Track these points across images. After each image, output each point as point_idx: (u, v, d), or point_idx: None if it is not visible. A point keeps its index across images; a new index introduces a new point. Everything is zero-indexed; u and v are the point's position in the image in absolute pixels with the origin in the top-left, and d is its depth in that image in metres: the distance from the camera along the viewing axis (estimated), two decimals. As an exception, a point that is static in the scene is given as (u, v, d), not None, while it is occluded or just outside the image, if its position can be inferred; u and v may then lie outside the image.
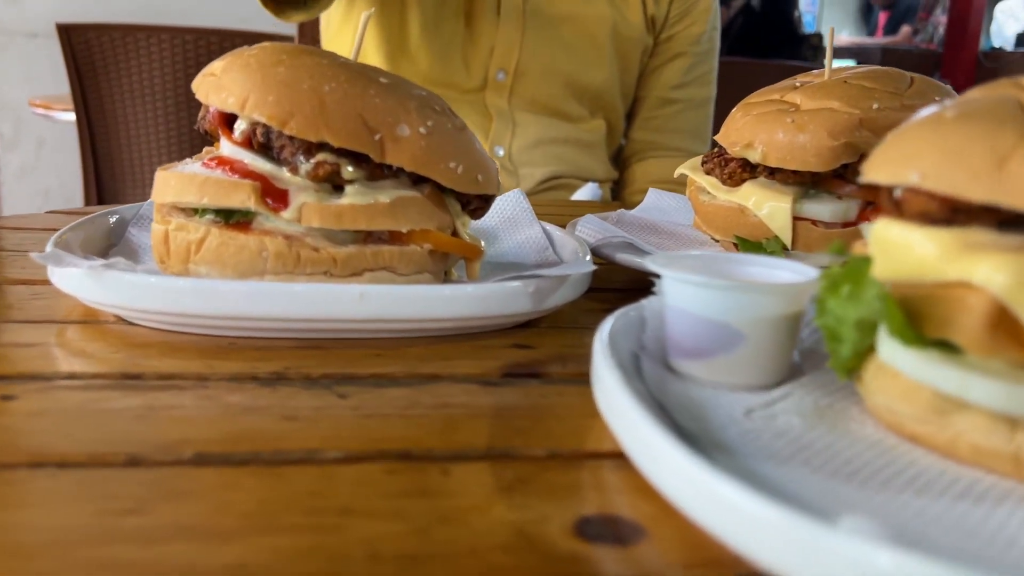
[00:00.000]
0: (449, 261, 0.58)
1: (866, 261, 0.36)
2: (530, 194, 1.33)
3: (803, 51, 3.88)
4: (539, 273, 0.53)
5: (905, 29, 5.45)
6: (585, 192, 1.31)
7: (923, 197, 0.35)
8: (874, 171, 0.37)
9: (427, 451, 0.37)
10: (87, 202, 2.38)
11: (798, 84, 0.67)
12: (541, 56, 1.25)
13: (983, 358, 0.33)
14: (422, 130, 0.52)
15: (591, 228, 0.67)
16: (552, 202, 1.21)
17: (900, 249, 0.35)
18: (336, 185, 0.52)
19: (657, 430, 0.31)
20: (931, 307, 0.34)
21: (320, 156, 0.50)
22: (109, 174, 2.44)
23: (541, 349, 0.51)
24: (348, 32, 1.27)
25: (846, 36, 5.40)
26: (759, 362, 0.41)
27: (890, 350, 0.35)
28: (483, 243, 0.59)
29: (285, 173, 0.52)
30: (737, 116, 0.67)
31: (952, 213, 0.34)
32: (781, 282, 0.41)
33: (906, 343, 0.34)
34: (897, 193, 0.36)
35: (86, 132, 2.41)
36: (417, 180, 0.54)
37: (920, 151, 0.35)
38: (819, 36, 4.61)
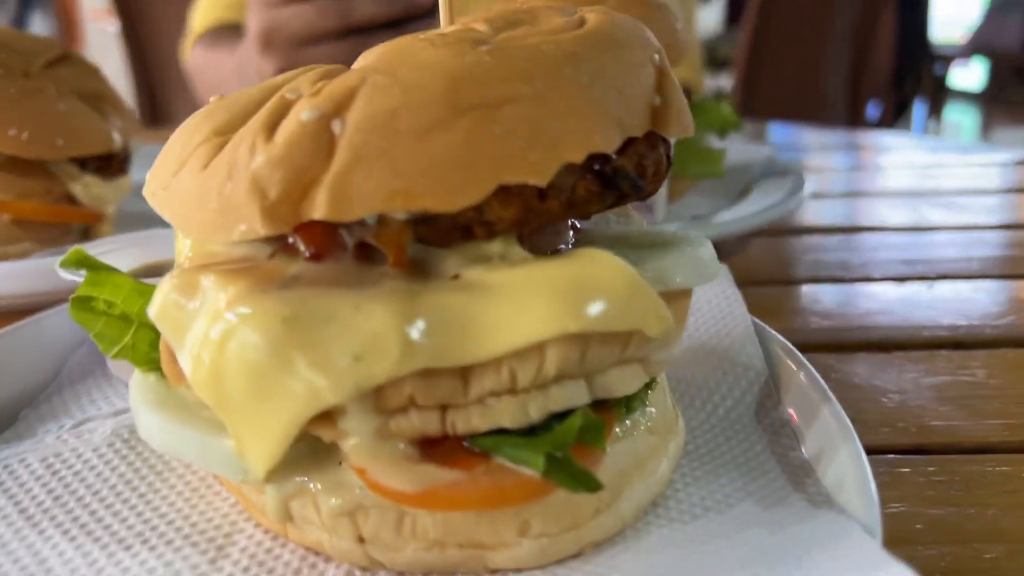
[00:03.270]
0: (75, 226, 0.57)
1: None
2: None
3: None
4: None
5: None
6: None
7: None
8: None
9: None
10: (141, 115, 2.38)
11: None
12: None
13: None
14: (-38, 95, 0.51)
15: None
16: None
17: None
18: None
19: None
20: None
21: None
22: (160, 86, 2.44)
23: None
24: None
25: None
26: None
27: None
28: (111, 207, 0.58)
29: None
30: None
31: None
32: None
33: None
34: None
35: (131, 42, 2.40)
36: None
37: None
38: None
